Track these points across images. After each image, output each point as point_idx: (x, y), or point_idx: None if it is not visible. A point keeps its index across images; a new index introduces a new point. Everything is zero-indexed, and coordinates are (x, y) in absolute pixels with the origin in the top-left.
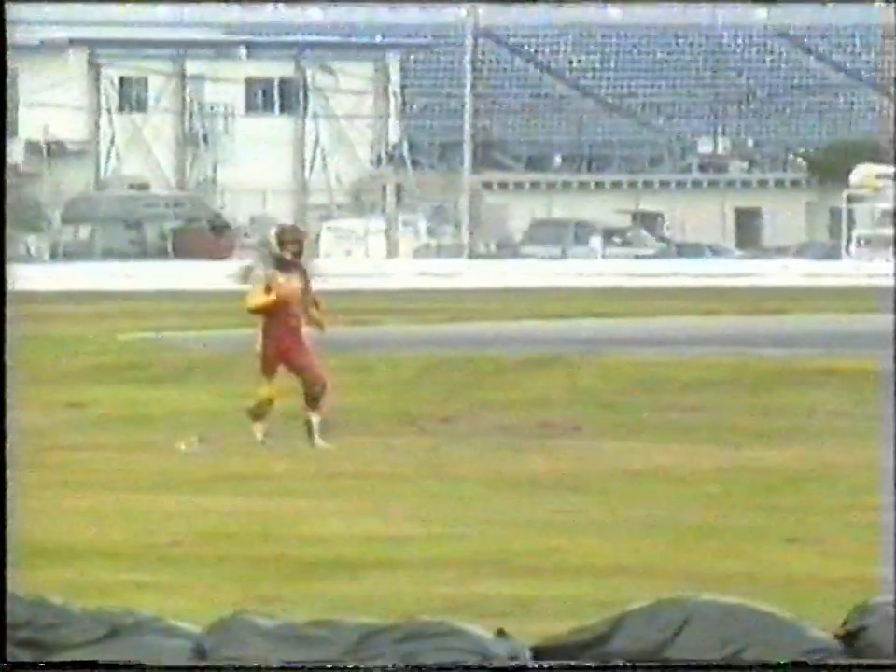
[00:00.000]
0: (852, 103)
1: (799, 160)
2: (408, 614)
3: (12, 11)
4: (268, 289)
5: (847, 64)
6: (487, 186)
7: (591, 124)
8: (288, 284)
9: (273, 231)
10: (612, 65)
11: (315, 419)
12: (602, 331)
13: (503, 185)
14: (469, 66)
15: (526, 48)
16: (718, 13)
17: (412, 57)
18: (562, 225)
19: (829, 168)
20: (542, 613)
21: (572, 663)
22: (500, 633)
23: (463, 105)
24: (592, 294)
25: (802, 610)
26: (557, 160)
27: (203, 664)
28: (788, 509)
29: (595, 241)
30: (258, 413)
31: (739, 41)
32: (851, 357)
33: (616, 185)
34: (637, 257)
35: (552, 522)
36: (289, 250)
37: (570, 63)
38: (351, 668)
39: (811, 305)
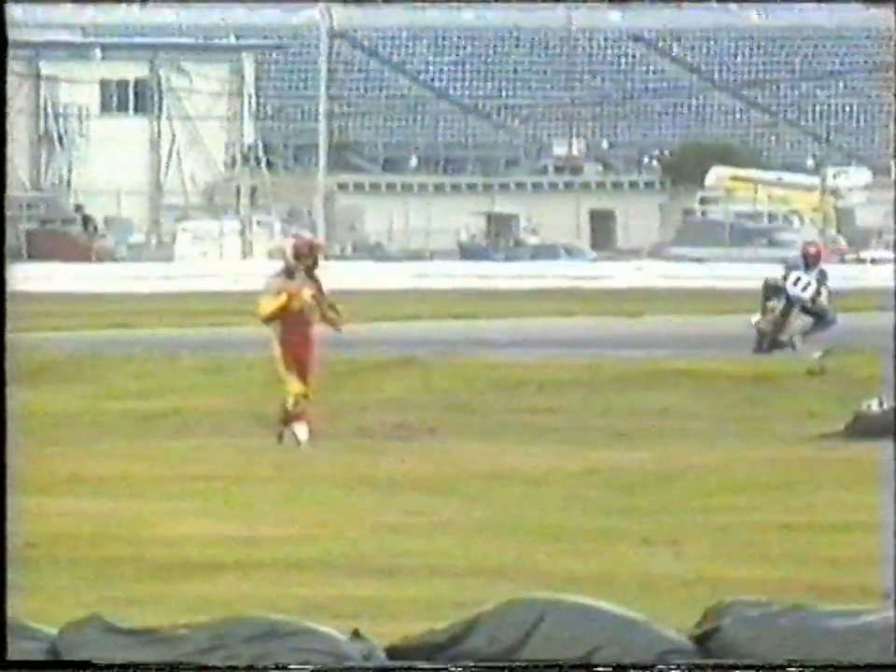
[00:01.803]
0: (705, 105)
1: (653, 162)
2: (263, 615)
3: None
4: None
5: (701, 67)
6: (342, 187)
7: (446, 126)
8: (300, 293)
9: (289, 243)
10: (467, 68)
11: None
12: (458, 333)
13: (359, 186)
14: (323, 68)
15: (382, 49)
16: (573, 16)
17: (266, 58)
18: (718, 225)
19: (682, 170)
20: (397, 614)
21: (426, 665)
22: (355, 634)
23: (318, 107)
24: (448, 296)
25: (656, 611)
26: (413, 161)
27: (202, 663)
28: (643, 510)
29: (532, 238)
30: (294, 414)
31: (594, 44)
32: (707, 359)
33: (472, 187)
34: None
35: (407, 523)
36: (304, 264)
37: (426, 65)
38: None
39: (666, 307)
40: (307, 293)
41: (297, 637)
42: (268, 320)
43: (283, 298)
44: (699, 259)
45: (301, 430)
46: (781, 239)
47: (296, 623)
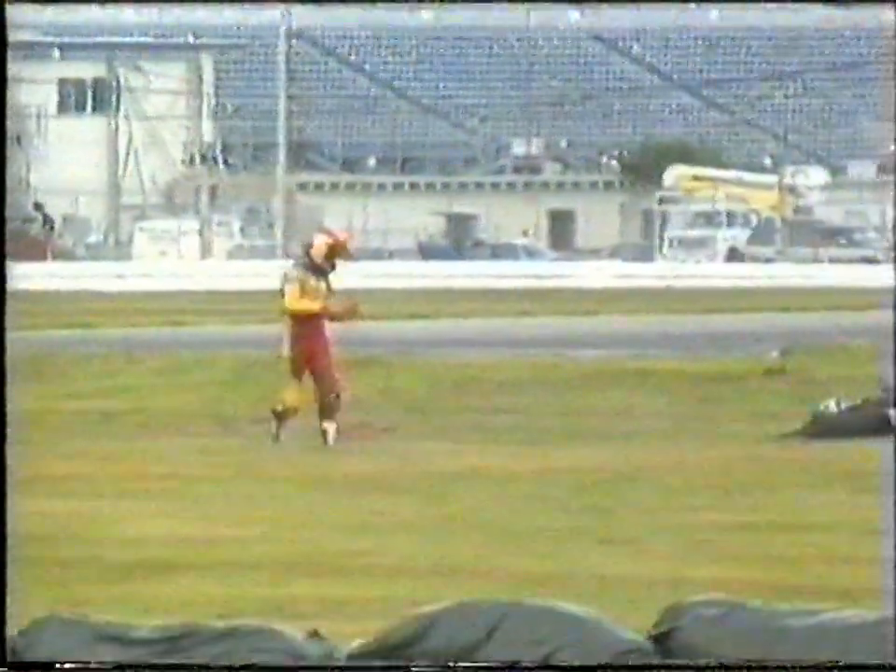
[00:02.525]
0: (664, 105)
1: (612, 161)
2: (222, 616)
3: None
4: (302, 292)
5: (660, 67)
6: (302, 187)
7: (405, 126)
8: (317, 288)
9: (322, 242)
10: (426, 67)
11: (330, 428)
12: (417, 333)
13: (318, 186)
14: (282, 67)
15: (340, 49)
16: (531, 15)
17: (225, 58)
18: (796, 224)
19: (642, 170)
20: (356, 614)
21: (386, 663)
22: (314, 634)
23: (277, 106)
24: (408, 295)
25: (615, 611)
26: (372, 161)
27: (202, 662)
28: (601, 509)
29: (523, 241)
30: (282, 416)
31: (553, 43)
32: (666, 359)
33: (430, 186)
34: (860, 259)
35: (366, 523)
36: (330, 263)
37: (384, 64)
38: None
39: (625, 306)
40: (324, 290)
41: (256, 637)
42: (293, 315)
43: (317, 305)
44: (769, 260)
45: (273, 427)
46: (860, 239)
47: (255, 624)
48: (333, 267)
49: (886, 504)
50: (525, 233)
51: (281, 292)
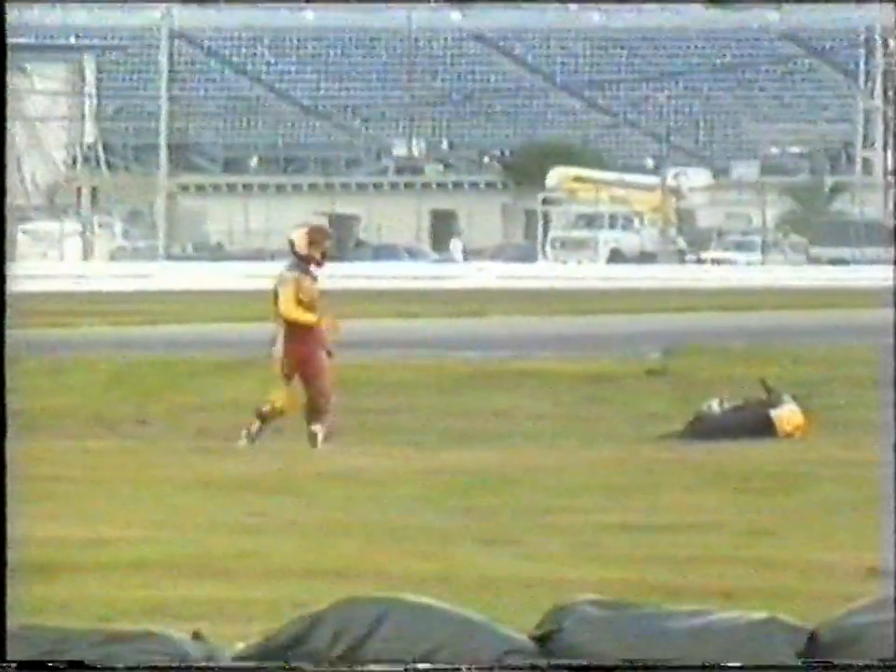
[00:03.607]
0: (546, 106)
1: (494, 162)
2: (104, 617)
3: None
4: (297, 294)
5: (542, 67)
6: (184, 188)
7: (287, 127)
8: (312, 288)
9: (302, 231)
10: (308, 68)
11: (318, 431)
12: None
13: (200, 187)
14: (164, 68)
15: (222, 50)
16: (412, 15)
17: (107, 59)
18: (851, 225)
19: (524, 170)
20: (238, 615)
21: (270, 665)
22: (195, 635)
23: (158, 108)
24: None
25: (497, 612)
26: (254, 162)
27: (203, 664)
28: (484, 510)
29: (456, 243)
30: (267, 417)
31: (434, 44)
32: (548, 359)
33: (313, 187)
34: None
35: (247, 524)
36: (318, 250)
37: (266, 65)
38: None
39: (507, 307)
40: (316, 288)
41: (138, 639)
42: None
43: (312, 318)
44: (838, 260)
45: (253, 428)
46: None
47: (137, 625)
48: (324, 256)
49: (770, 504)
50: (459, 234)
51: (274, 295)
